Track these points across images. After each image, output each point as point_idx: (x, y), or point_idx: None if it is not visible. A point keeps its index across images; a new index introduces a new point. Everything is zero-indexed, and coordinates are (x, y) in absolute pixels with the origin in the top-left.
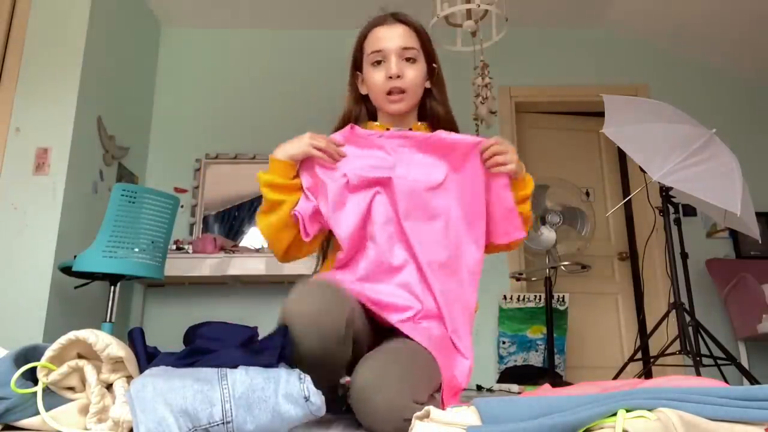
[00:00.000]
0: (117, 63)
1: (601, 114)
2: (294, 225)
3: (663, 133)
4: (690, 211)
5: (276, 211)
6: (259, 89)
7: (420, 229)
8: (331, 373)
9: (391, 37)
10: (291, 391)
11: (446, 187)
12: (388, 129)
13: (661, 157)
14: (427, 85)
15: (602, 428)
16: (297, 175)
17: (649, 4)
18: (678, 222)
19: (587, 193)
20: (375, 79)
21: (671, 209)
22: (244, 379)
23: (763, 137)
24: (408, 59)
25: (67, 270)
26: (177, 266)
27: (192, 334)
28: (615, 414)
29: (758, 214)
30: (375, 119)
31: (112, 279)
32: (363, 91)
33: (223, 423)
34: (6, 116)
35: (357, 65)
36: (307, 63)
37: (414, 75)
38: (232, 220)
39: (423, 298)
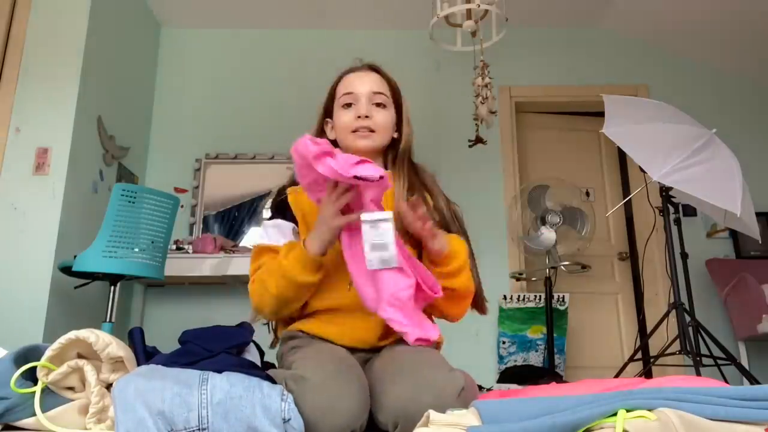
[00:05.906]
0: (117, 63)
1: (601, 114)
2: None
3: (663, 133)
4: (690, 211)
5: (300, 296)
6: (259, 89)
7: None
8: None
9: (363, 82)
10: (269, 405)
11: None
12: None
13: (661, 157)
14: (395, 135)
15: (602, 428)
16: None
17: (649, 4)
18: (678, 222)
19: (587, 193)
20: (344, 119)
21: (671, 209)
22: (223, 385)
23: (763, 137)
24: (378, 104)
25: (67, 270)
26: (177, 266)
27: (186, 339)
28: (615, 414)
29: (758, 214)
30: None
31: (112, 279)
32: (331, 136)
33: (199, 429)
34: (6, 116)
35: (327, 113)
36: (307, 63)
37: (383, 118)
38: (232, 220)
39: None
